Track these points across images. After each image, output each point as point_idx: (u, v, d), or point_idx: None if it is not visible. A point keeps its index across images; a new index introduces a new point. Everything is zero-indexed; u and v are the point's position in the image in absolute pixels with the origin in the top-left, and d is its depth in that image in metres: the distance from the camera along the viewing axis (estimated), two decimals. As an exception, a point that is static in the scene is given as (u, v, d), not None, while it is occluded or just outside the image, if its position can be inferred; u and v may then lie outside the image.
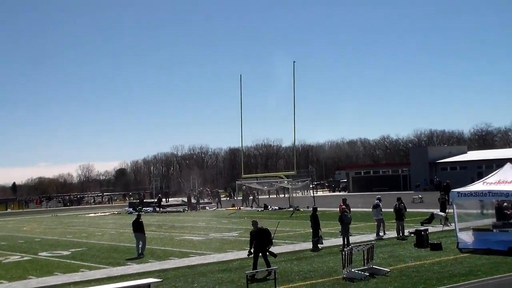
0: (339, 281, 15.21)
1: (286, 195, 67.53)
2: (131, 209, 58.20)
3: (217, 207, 57.12)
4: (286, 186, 57.96)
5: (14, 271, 19.68)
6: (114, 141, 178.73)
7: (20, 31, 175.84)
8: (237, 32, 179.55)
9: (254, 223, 17.35)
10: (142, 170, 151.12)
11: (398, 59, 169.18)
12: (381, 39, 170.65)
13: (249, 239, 17.40)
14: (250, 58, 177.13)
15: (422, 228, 23.58)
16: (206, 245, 24.78)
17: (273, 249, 22.16)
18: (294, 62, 52.43)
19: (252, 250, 16.84)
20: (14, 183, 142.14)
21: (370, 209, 26.29)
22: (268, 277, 15.78)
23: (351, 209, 27.35)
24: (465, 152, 79.28)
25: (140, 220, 23.13)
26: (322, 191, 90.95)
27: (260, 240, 16.72)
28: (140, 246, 22.46)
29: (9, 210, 78.93)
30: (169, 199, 67.29)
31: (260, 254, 16.74)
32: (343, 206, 24.10)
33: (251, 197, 59.23)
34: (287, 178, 55.22)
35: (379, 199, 26.45)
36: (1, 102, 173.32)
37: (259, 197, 63.26)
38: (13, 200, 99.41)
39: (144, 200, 66.87)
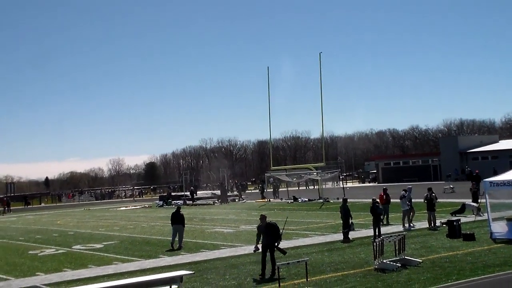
0: (370, 272, 15.16)
1: (315, 187, 67.44)
2: (161, 203, 58.73)
3: (239, 200, 57.27)
4: (315, 178, 57.87)
5: (49, 264, 20.03)
6: (143, 135, 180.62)
7: (49, 25, 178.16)
8: (264, 26, 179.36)
9: (262, 218, 16.11)
10: (172, 163, 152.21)
11: (427, 47, 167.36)
12: (409, 26, 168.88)
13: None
14: (277, 50, 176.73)
15: (454, 218, 23.34)
16: (237, 237, 24.90)
17: (299, 241, 22.38)
18: (320, 53, 52.25)
19: (259, 246, 15.90)
20: (46, 177, 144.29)
21: (399, 200, 26.16)
22: (274, 276, 15.01)
23: (391, 200, 27.20)
24: (497, 142, 78.16)
25: (181, 212, 23.30)
26: (352, 182, 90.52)
27: (269, 235, 15.64)
28: (176, 239, 22.62)
29: (42, 204, 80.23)
30: (198, 192, 67.61)
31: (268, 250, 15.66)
32: (383, 196, 24.12)
33: (276, 189, 59.39)
34: (316, 170, 55.14)
35: (405, 190, 26.29)
36: (31, 99, 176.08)
37: (288, 189, 63.24)
38: (46, 194, 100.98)
39: (172, 194, 67.40)
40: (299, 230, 26.20)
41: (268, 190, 59.06)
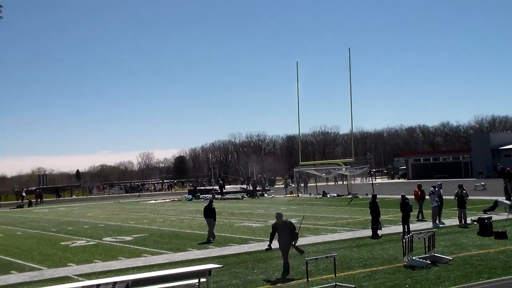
0: (399, 268, 15.05)
1: (344, 182, 67.14)
2: (190, 196, 59.14)
3: (263, 195, 57.33)
4: (344, 173, 57.65)
5: (81, 255, 20.33)
6: (173, 129, 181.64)
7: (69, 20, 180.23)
8: (293, 21, 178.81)
9: (278, 216, 15.47)
10: (201, 157, 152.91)
11: (458, 43, 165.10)
12: (441, 22, 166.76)
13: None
14: (306, 45, 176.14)
15: (486, 216, 23.01)
16: (265, 231, 24.85)
17: (328, 237, 22.31)
18: (349, 48, 52.14)
19: (271, 245, 15.42)
20: (77, 170, 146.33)
21: (428, 197, 25.91)
22: (286, 276, 14.74)
23: (426, 196, 26.94)
24: (530, 138, 76.78)
25: (213, 206, 23.67)
26: (381, 178, 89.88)
27: (286, 234, 15.01)
28: (209, 231, 23.02)
29: (74, 197, 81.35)
30: (227, 187, 67.84)
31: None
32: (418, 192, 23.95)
33: (305, 184, 59.33)
34: (345, 165, 54.92)
35: (434, 186, 26.02)
36: (62, 93, 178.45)
37: (317, 184, 63.14)
38: (78, 187, 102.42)
39: (198, 188, 67.76)
40: (327, 226, 26.15)
41: (296, 185, 59.00)
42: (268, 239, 16.08)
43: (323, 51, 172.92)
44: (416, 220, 25.81)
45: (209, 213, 23.31)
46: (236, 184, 76.20)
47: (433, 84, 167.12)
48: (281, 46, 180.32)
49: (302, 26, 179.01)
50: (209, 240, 22.53)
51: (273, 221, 16.42)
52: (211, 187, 65.04)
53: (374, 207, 22.13)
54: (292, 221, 16.17)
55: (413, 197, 26.50)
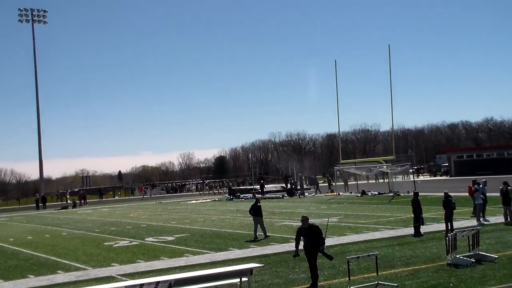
0: (443, 267, 14.82)
1: (385, 180, 66.50)
2: (230, 196, 59.44)
3: (316, 193, 57.25)
4: (385, 171, 57.10)
5: (124, 255, 20.62)
6: (213, 129, 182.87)
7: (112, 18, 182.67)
8: (332, 19, 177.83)
9: (304, 219, 14.22)
10: (241, 157, 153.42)
11: (498, 38, 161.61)
12: (480, 17, 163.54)
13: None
14: (345, 43, 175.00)
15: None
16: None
17: (369, 235, 22.11)
18: (389, 45, 51.48)
19: (298, 251, 14.07)
20: (119, 171, 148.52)
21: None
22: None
23: (467, 194, 26.38)
24: None
25: (259, 204, 24.07)
26: (423, 175, 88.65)
27: (312, 239, 13.75)
28: (260, 232, 23.37)
29: (116, 197, 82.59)
30: (266, 186, 67.92)
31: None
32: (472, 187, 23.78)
33: (346, 182, 58.99)
34: (386, 163, 54.38)
35: (478, 183, 25.51)
36: (105, 96, 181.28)
37: (358, 182, 62.69)
38: (120, 187, 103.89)
39: (235, 187, 67.97)
40: (369, 224, 25.94)
41: (338, 183, 58.73)
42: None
43: (363, 49, 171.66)
44: (472, 217, 25.32)
45: (257, 211, 23.80)
46: (277, 183, 76.22)
47: (476, 79, 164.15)
48: (320, 45, 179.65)
49: (341, 24, 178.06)
50: (266, 236, 23.05)
51: (312, 220, 16.19)
52: (251, 187, 65.25)
53: (416, 205, 21.85)
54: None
55: (457, 194, 26.02)
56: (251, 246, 21.17)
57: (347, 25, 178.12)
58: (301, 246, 14.08)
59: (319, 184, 64.48)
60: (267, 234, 23.38)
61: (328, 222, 17.53)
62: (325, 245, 13.98)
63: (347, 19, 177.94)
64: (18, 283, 16.20)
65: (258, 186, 62.28)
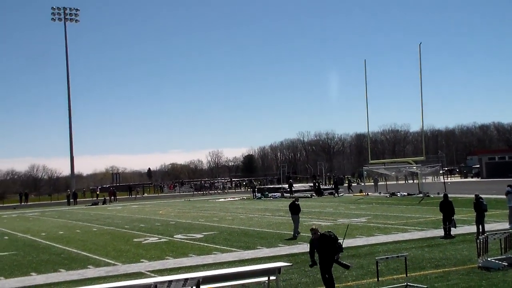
0: (474, 270, 14.62)
1: (414, 181, 65.87)
2: (259, 195, 59.51)
3: (346, 193, 57.04)
4: (415, 172, 56.61)
5: (153, 252, 20.80)
6: (242, 128, 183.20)
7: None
8: (361, 19, 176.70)
9: (314, 231, 13.22)
10: (269, 156, 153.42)
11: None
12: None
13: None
14: (374, 42, 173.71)
15: None
16: (335, 230, 24.41)
17: (398, 236, 21.90)
18: (420, 44, 50.87)
19: (314, 260, 13.11)
20: (149, 169, 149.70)
21: (504, 196, 24.99)
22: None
23: (497, 196, 25.90)
24: None
25: (297, 203, 24.54)
26: (453, 177, 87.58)
27: (325, 249, 12.75)
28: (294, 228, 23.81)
29: (145, 195, 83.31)
30: (295, 185, 67.84)
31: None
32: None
33: (375, 183, 58.62)
34: (416, 164, 53.88)
35: (510, 185, 25.06)
36: (135, 94, 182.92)
37: (387, 182, 62.24)
38: (149, 185, 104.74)
39: (261, 186, 68.05)
40: (398, 225, 25.74)
41: (366, 183, 58.41)
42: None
43: (393, 49, 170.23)
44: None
45: (294, 209, 24.16)
46: (305, 183, 76.11)
47: (508, 79, 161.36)
48: (350, 44, 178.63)
49: (372, 23, 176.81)
50: (295, 236, 23.13)
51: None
52: (280, 186, 65.23)
53: (447, 206, 21.60)
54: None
55: (489, 196, 25.58)
56: (279, 245, 21.18)
57: (378, 25, 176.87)
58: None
59: (352, 184, 64.23)
60: (296, 234, 23.41)
61: (347, 229, 17.23)
62: (345, 248, 13.46)
63: (378, 18, 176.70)
64: (50, 277, 16.46)
65: (287, 185, 62.28)
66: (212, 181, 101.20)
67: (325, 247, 12.75)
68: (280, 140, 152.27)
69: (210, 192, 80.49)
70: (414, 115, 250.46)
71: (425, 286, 12.90)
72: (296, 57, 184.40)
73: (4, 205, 72.19)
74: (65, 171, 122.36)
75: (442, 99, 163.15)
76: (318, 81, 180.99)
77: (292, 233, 23.56)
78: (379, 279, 13.81)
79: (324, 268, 12.83)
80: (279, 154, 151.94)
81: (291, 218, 24.59)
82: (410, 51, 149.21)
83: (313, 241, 13.14)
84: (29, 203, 71.54)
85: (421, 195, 46.10)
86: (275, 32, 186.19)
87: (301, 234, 23.24)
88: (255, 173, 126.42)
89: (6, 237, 29.02)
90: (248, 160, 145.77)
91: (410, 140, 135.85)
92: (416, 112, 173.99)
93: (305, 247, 20.13)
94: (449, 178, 74.42)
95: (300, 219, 24.68)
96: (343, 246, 13.00)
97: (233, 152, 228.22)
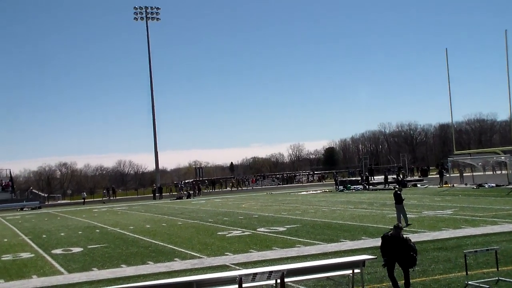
0: None
1: (503, 172, 63.45)
2: (341, 187, 59.11)
3: (416, 185, 55.68)
4: (504, 161, 54.53)
5: (237, 245, 21.08)
6: (323, 121, 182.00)
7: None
8: (442, 4, 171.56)
9: (395, 228, 11.93)
10: (351, 148, 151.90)
11: None
12: None
13: None
14: (457, 29, 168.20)
15: None
16: (420, 222, 24.28)
17: (488, 229, 21.12)
18: (506, 30, 48.83)
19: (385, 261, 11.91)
20: (231, 163, 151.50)
21: None
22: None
23: None
24: None
25: (399, 192, 24.62)
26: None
27: (396, 251, 11.59)
28: (401, 216, 24.01)
29: (228, 188, 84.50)
30: (377, 177, 66.90)
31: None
32: None
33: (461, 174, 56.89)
34: (504, 153, 51.87)
35: None
36: (214, 89, 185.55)
37: (474, 174, 60.24)
38: (231, 178, 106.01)
39: (340, 179, 67.72)
40: (486, 217, 24.91)
41: (452, 174, 56.81)
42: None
43: (476, 35, 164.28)
44: None
45: (397, 199, 24.26)
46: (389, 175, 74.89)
47: None
48: (430, 32, 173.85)
49: (453, 10, 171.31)
50: (407, 224, 23.32)
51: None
52: (360, 178, 64.55)
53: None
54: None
55: None
56: (363, 237, 20.98)
57: (461, 10, 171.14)
58: None
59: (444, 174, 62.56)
60: (408, 223, 23.62)
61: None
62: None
63: (460, 4, 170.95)
64: (139, 269, 17.02)
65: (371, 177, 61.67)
66: (294, 174, 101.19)
67: (397, 248, 11.55)
68: (361, 132, 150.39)
69: (292, 185, 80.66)
70: (501, 103, 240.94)
71: (517, 281, 12.44)
72: (376, 47, 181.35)
73: (94, 199, 75.16)
74: (150, 166, 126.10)
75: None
76: (400, 71, 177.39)
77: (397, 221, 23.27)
78: (468, 272, 13.43)
79: (391, 266, 11.86)
80: (360, 146, 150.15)
81: (392, 209, 24.55)
82: (496, 36, 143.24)
83: (385, 236, 11.97)
84: (117, 198, 74.12)
85: (510, 186, 44.34)
86: (356, 24, 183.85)
87: (370, 228, 23.11)
88: (337, 165, 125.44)
89: (97, 230, 30.22)
90: (329, 152, 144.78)
91: (497, 129, 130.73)
92: (503, 100, 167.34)
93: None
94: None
95: (383, 211, 24.41)
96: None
97: (314, 145, 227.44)
